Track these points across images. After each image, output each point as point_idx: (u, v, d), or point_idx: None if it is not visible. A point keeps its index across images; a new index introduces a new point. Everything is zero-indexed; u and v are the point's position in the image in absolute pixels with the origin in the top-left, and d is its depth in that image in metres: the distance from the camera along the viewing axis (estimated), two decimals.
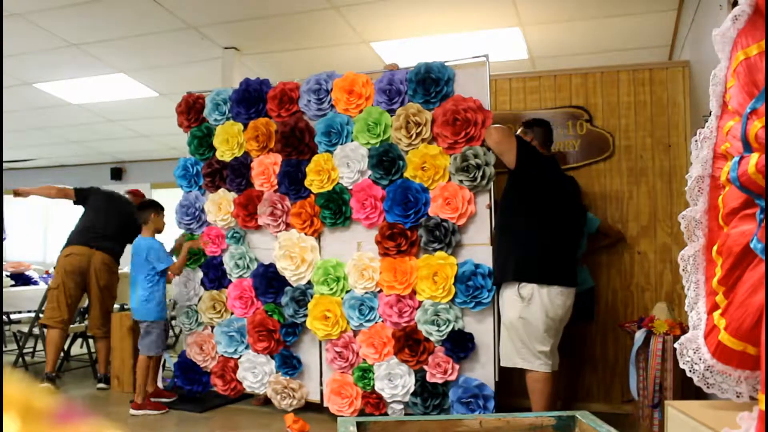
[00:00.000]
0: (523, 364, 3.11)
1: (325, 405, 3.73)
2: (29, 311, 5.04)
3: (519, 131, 3.46)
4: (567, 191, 3.31)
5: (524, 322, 3.08)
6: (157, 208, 4.18)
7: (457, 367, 3.39)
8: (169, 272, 4.07)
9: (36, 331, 4.73)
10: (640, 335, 3.18)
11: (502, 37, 4.98)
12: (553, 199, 3.19)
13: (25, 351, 5.12)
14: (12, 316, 5.34)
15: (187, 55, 5.35)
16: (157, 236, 4.17)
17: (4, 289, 4.96)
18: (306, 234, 3.81)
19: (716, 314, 1.47)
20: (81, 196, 4.80)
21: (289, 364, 3.82)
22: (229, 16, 4.67)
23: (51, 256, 10.05)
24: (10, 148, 8.89)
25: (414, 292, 3.51)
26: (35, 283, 5.48)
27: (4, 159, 8.82)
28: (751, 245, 1.33)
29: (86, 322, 5.21)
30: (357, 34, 4.94)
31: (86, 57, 5.43)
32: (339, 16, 4.62)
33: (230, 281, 4.04)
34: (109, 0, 4.35)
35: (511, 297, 3.14)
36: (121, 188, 5.23)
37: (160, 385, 4.26)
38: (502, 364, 3.26)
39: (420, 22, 4.74)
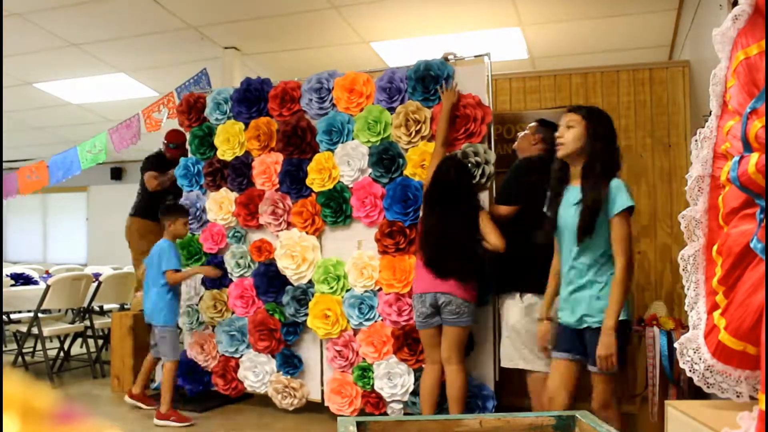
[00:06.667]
0: (524, 365, 3.09)
1: (325, 404, 3.73)
2: (29, 311, 5.03)
3: (529, 126, 3.38)
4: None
5: (526, 326, 3.05)
6: (180, 212, 3.87)
7: None
8: (168, 277, 3.72)
9: (35, 330, 4.73)
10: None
11: (502, 37, 4.98)
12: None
13: (24, 351, 5.12)
14: (12, 316, 5.35)
15: (187, 55, 5.35)
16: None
17: (4, 289, 4.95)
18: (307, 233, 3.81)
19: (716, 314, 1.47)
20: None
21: (290, 364, 3.82)
22: (229, 16, 4.67)
23: (51, 256, 10.03)
24: (10, 148, 8.88)
25: None
26: (35, 283, 5.47)
27: (4, 159, 8.82)
28: (751, 245, 1.33)
29: (86, 322, 5.22)
30: (357, 34, 4.94)
31: (86, 57, 5.43)
32: (339, 16, 4.62)
33: (231, 280, 4.04)
34: (109, 0, 4.35)
35: (512, 304, 3.13)
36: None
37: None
38: (502, 365, 3.25)
39: (420, 22, 4.74)
